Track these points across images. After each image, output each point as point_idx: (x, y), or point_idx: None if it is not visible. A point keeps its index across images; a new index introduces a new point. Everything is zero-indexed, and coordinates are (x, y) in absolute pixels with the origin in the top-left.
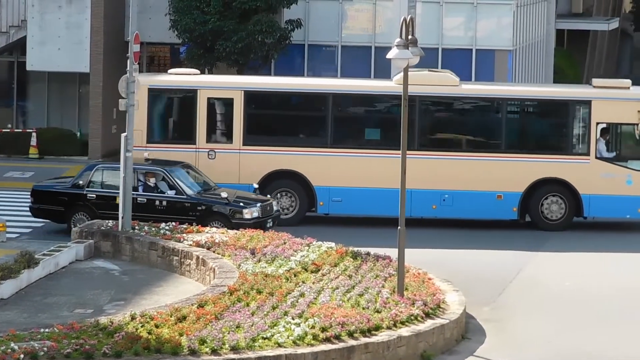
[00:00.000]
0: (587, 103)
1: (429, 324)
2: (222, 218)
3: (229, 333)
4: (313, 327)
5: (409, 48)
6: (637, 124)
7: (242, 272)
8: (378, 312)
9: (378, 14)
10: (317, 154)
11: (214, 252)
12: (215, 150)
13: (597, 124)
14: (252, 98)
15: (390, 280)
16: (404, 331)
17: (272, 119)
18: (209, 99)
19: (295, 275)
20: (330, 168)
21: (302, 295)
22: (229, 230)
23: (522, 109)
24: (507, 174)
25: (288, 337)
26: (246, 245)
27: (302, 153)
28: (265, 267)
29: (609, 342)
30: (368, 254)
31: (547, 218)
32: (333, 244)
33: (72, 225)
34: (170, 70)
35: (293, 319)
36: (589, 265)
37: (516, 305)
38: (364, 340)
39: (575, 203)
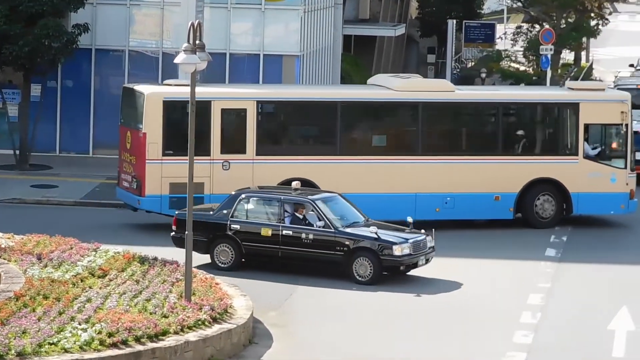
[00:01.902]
0: (575, 105)
1: (216, 328)
2: (370, 254)
3: (14, 339)
4: (100, 332)
5: (197, 53)
6: (621, 124)
7: (29, 278)
8: (165, 317)
9: (166, 19)
10: (327, 162)
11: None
12: (230, 161)
13: (585, 125)
14: (264, 108)
15: (178, 285)
16: (192, 336)
17: (283, 129)
18: (222, 110)
19: (82, 281)
20: (339, 175)
21: (89, 300)
22: (15, 235)
23: (514, 112)
24: (504, 175)
25: (75, 343)
26: (32, 250)
27: (312, 161)
28: (52, 272)
29: (397, 345)
30: (155, 259)
31: (541, 217)
32: (120, 249)
33: (215, 258)
34: (165, 81)
35: (80, 324)
36: None
37: (303, 309)
38: (151, 345)
39: (565, 201)
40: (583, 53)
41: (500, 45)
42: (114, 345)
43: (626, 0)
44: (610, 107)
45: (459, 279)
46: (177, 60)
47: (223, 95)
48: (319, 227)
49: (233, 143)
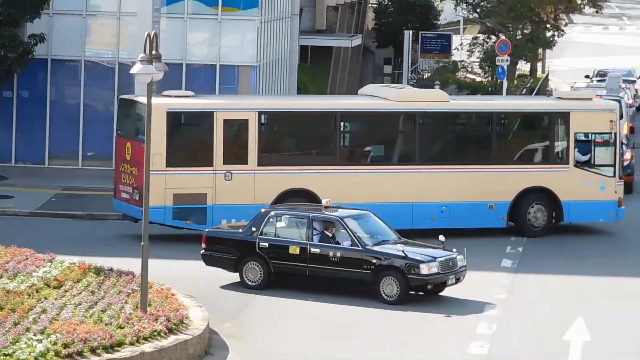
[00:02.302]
0: (566, 114)
1: (172, 339)
2: (397, 273)
3: None
4: (55, 343)
5: (153, 63)
6: (610, 133)
7: None
8: (121, 327)
9: (122, 29)
10: (326, 172)
11: None
12: (232, 172)
13: (575, 134)
14: (265, 118)
15: (134, 296)
16: (147, 347)
17: (284, 139)
18: (225, 120)
19: (37, 292)
20: (338, 185)
21: (44, 311)
22: None
23: (507, 121)
24: (498, 184)
25: (30, 354)
26: None
27: (312, 171)
28: (7, 283)
29: (353, 355)
30: (111, 269)
31: (533, 225)
32: (76, 260)
33: (244, 276)
34: (164, 92)
35: (35, 335)
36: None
37: (259, 320)
38: (106, 356)
39: (556, 209)
40: (539, 64)
41: (456, 56)
42: (69, 356)
43: (582, 11)
44: (600, 117)
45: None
46: (133, 70)
47: (225, 106)
48: (347, 245)
49: (235, 154)
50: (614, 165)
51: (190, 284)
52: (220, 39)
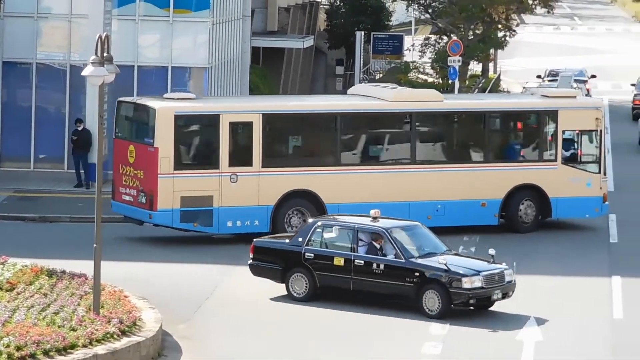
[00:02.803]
0: (554, 113)
1: (125, 341)
2: (438, 287)
3: None
4: (8, 346)
5: (105, 65)
6: (596, 131)
7: None
8: (74, 330)
9: (74, 31)
10: (327, 173)
11: None
12: (237, 174)
13: (563, 131)
14: (269, 121)
15: (86, 299)
16: (100, 349)
17: (287, 141)
18: (230, 123)
19: None
20: (338, 185)
21: None
22: None
23: (498, 120)
24: (489, 182)
25: None
26: None
27: (313, 172)
28: None
29: (307, 357)
30: (64, 272)
31: (524, 221)
32: (28, 262)
33: (290, 288)
34: (166, 95)
35: None
36: None
37: (212, 321)
38: (59, 358)
39: (544, 206)
40: (491, 64)
41: (408, 56)
42: (22, 358)
43: (533, 11)
44: (586, 114)
45: None
46: (85, 72)
47: (231, 109)
48: (391, 257)
49: (240, 156)
50: (599, 162)
51: (143, 286)
52: (172, 41)
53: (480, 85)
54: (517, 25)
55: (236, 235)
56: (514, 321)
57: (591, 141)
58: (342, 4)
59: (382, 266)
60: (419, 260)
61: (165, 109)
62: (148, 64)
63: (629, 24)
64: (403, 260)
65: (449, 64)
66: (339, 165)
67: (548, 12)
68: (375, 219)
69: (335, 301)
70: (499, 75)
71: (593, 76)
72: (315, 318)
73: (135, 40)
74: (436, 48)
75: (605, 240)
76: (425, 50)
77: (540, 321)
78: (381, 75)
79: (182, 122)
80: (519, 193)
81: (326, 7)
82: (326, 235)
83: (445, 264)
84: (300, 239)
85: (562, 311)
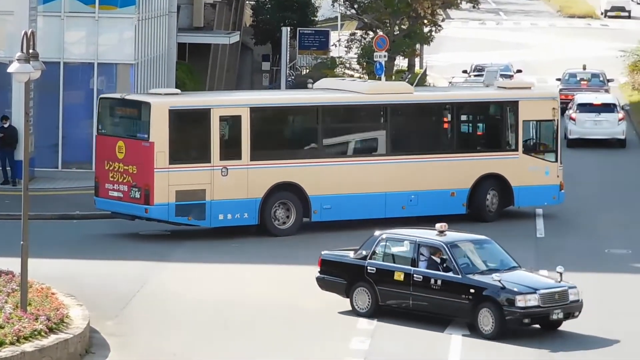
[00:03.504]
0: (515, 103)
1: (52, 339)
2: (492, 305)
3: None
4: None
5: (30, 62)
6: (553, 120)
7: None
8: (1, 327)
9: None
10: (310, 165)
11: None
12: (228, 168)
13: (523, 122)
14: (256, 114)
15: (14, 296)
16: (28, 347)
17: (271, 134)
18: (220, 117)
19: None
20: (320, 177)
21: None
22: None
23: (465, 111)
24: (458, 172)
25: None
26: None
27: (298, 165)
28: None
29: (234, 352)
30: None
31: (490, 210)
32: None
33: (354, 302)
34: (151, 90)
35: None
36: (214, 277)
37: (140, 318)
38: None
39: (507, 195)
40: (417, 59)
41: (334, 52)
42: None
43: (459, 6)
44: (543, 105)
45: (296, 286)
46: (10, 69)
47: (221, 103)
48: (450, 272)
49: (230, 149)
50: (556, 151)
51: (71, 283)
52: (98, 37)
53: (407, 80)
54: (443, 20)
55: (226, 228)
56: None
57: (548, 130)
58: None
59: (439, 282)
60: (476, 277)
61: (160, 103)
62: (74, 60)
63: (554, 18)
64: (459, 277)
65: (375, 59)
66: (319, 157)
67: (474, 7)
68: (441, 232)
69: (260, 298)
70: (425, 71)
71: (519, 71)
72: (244, 315)
73: (60, 37)
74: (362, 43)
75: (532, 234)
76: (352, 45)
77: None
78: (307, 70)
79: (176, 116)
80: (485, 182)
81: (252, 3)
82: (389, 248)
83: (499, 281)
84: (364, 252)
85: None
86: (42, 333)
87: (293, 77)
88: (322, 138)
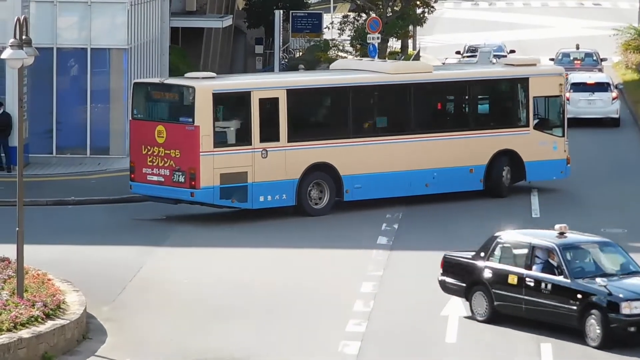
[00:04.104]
0: (526, 80)
1: (49, 325)
2: (598, 311)
3: None
4: None
5: (24, 48)
6: (560, 96)
7: None
8: None
9: None
10: (342, 145)
11: None
12: (267, 149)
13: (534, 98)
14: (292, 96)
15: (10, 282)
16: (25, 333)
17: (306, 115)
18: (260, 99)
19: None
20: (352, 157)
21: None
22: None
23: (481, 89)
24: (476, 149)
25: None
26: None
27: (330, 145)
28: None
29: (231, 337)
30: None
31: (505, 185)
32: None
33: (472, 307)
34: (187, 74)
35: None
36: (209, 261)
37: (137, 303)
38: None
39: (519, 170)
40: (410, 41)
41: (327, 34)
42: None
43: None
44: (551, 80)
45: (291, 269)
46: (4, 55)
47: (260, 85)
48: (561, 276)
49: (269, 131)
50: (562, 126)
51: (67, 269)
52: (91, 23)
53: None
54: (436, 1)
55: (267, 209)
56: (439, 297)
57: (556, 106)
58: None
59: (549, 286)
60: (585, 281)
61: (204, 87)
62: (67, 45)
63: None
64: (569, 281)
65: (368, 41)
66: (351, 137)
67: None
68: (562, 234)
69: (258, 285)
70: (418, 52)
71: (512, 51)
72: (241, 298)
73: (53, 23)
74: (355, 26)
75: (527, 215)
76: (344, 27)
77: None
78: (301, 53)
79: (219, 99)
80: (500, 158)
81: None
82: (505, 250)
83: (605, 286)
84: (482, 254)
85: None
86: (39, 319)
87: (286, 60)
88: (354, 118)
